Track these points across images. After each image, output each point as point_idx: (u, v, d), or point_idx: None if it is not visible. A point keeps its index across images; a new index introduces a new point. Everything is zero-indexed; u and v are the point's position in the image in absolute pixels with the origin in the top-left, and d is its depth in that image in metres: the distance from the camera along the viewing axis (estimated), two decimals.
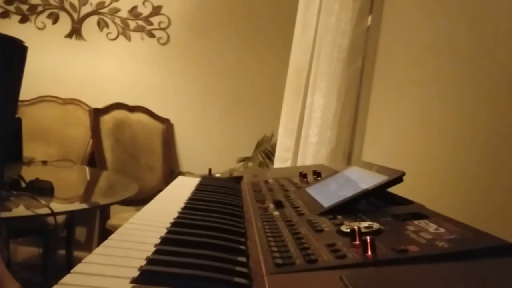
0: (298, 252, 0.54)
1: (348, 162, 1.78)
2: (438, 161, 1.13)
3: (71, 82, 3.15)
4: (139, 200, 1.97)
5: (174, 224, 0.70)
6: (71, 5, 3.16)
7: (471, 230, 0.55)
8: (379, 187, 0.73)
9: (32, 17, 3.15)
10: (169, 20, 3.21)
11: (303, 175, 1.07)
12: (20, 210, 1.58)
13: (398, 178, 0.72)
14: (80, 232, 3.14)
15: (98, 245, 0.59)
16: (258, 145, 3.08)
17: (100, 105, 3.02)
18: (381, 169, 0.79)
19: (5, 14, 3.13)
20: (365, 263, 0.49)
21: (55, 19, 3.16)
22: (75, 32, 3.18)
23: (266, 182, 1.10)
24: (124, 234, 0.66)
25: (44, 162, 2.58)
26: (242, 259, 0.56)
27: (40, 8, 3.15)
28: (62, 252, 2.71)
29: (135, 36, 3.20)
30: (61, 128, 3.06)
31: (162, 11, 3.20)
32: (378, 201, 0.79)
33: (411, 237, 0.55)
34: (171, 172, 3.12)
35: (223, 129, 3.24)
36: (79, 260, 0.53)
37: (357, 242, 0.54)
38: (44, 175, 1.80)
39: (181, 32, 3.22)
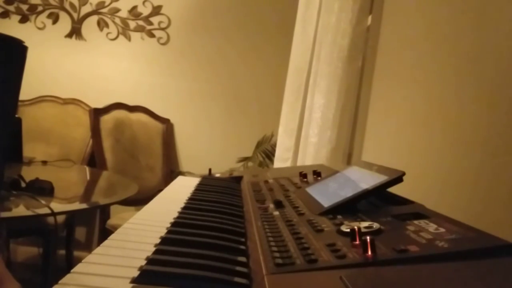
0: (298, 252, 0.54)
1: (348, 162, 1.78)
2: (439, 161, 1.13)
3: (71, 82, 3.15)
4: (139, 200, 1.98)
5: (174, 224, 0.70)
6: (71, 5, 3.16)
7: (471, 230, 0.55)
8: (379, 187, 0.73)
9: (32, 17, 3.15)
10: (169, 20, 3.21)
11: (303, 175, 1.07)
12: (20, 210, 1.59)
13: (398, 178, 0.72)
14: (80, 232, 3.14)
15: (98, 245, 0.59)
16: (258, 145, 3.08)
17: (100, 105, 3.02)
18: (381, 169, 0.79)
19: (5, 14, 3.13)
20: (365, 263, 0.49)
21: (55, 19, 3.16)
22: (75, 32, 3.18)
23: (266, 182, 1.10)
24: (124, 234, 0.66)
25: (44, 162, 2.58)
26: (242, 259, 0.56)
27: (40, 8, 3.15)
28: (62, 252, 2.71)
29: (135, 36, 3.20)
30: (61, 128, 3.06)
31: (162, 11, 3.20)
32: (378, 201, 0.79)
33: (411, 237, 0.55)
34: (171, 172, 3.12)
35: (223, 129, 3.24)
36: (79, 260, 0.53)
37: (357, 242, 0.54)
38: (44, 175, 1.80)
39: (181, 32, 3.22)
